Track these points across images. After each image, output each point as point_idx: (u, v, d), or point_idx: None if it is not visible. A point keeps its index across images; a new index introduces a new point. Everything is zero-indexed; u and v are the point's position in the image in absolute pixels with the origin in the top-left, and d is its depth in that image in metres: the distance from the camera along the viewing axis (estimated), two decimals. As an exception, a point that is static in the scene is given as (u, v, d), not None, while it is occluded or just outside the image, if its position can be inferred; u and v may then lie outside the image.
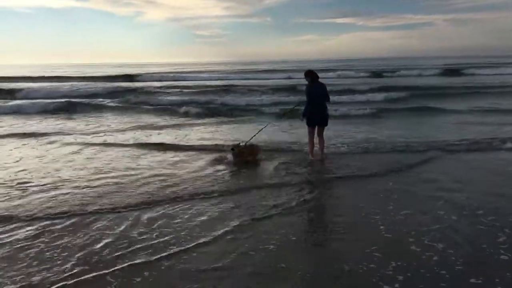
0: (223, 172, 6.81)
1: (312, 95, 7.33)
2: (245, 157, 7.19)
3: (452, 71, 37.38)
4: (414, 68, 40.89)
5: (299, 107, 7.97)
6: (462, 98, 17.63)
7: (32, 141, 9.74)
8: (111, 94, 21.31)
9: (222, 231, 4.41)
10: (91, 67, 79.20)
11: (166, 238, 4.28)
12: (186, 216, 4.87)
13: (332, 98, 8.02)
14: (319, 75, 7.55)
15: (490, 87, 21.39)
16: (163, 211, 5.06)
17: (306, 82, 7.63)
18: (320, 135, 7.57)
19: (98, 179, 6.43)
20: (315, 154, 7.55)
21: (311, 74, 7.43)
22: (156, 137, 10.18)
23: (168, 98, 19.45)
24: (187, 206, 5.22)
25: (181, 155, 8.03)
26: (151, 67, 73.22)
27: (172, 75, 39.41)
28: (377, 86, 21.78)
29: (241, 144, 7.39)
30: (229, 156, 7.28)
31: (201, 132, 10.93)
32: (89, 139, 9.99)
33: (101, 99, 18.94)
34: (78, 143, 9.42)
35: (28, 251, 4.04)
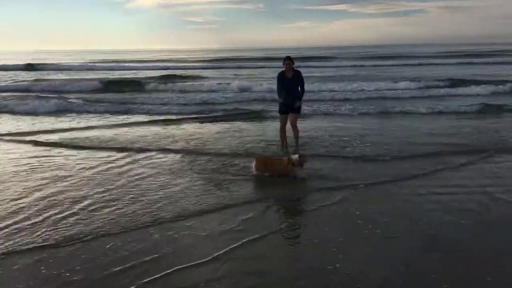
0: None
1: (286, 82, 7.24)
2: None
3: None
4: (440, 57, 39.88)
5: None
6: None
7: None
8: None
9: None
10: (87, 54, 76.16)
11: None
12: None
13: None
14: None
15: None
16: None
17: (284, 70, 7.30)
18: (294, 124, 7.39)
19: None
20: (288, 145, 7.48)
21: (288, 61, 7.19)
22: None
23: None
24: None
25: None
26: (141, 54, 70.52)
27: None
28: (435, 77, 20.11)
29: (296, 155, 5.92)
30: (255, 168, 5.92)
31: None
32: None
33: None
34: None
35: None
